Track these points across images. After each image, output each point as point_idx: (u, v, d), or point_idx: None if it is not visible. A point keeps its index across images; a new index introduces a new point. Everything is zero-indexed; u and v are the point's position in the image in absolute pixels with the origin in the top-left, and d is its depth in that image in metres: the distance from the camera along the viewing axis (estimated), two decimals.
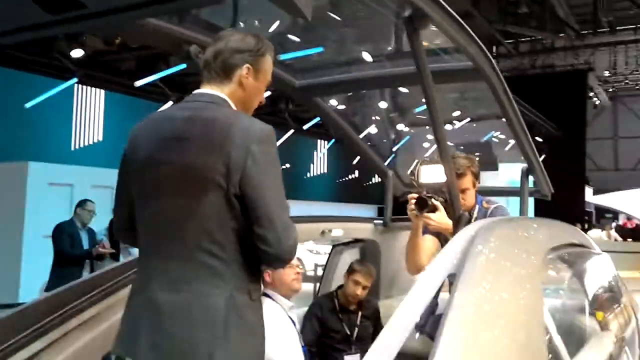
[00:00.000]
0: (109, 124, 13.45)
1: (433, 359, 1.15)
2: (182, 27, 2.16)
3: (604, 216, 32.31)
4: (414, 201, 2.64)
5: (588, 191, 29.42)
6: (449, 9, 1.97)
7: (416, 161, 2.65)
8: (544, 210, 6.85)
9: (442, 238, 2.84)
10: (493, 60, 2.50)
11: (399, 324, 1.40)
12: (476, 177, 3.01)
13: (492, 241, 1.67)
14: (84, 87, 12.77)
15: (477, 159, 3.07)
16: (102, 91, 13.12)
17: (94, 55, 11.51)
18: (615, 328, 2.62)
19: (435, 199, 2.63)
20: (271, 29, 2.98)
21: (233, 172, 1.65)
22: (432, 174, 2.55)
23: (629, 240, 22.43)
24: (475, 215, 2.99)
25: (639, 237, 23.36)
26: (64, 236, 6.43)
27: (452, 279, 1.51)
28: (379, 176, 3.96)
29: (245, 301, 1.72)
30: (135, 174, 1.82)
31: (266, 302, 2.95)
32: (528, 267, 1.70)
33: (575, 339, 2.16)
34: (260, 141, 1.69)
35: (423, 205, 2.60)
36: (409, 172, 2.52)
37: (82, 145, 13.02)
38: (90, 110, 13.18)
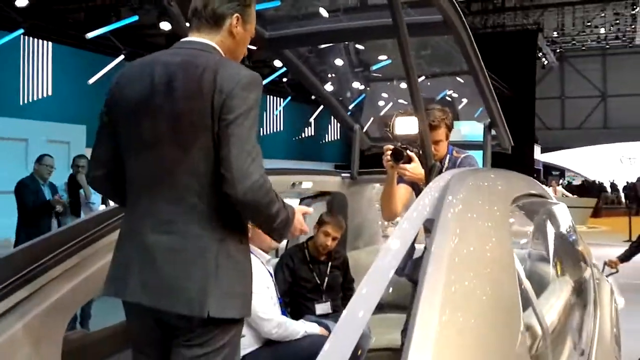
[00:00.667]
0: (58, 78, 12.97)
1: (417, 306, 1.18)
2: None
3: (551, 173, 33.47)
4: (389, 152, 2.71)
5: (536, 149, 30.31)
6: None
7: (394, 113, 2.67)
8: (495, 166, 7.06)
9: (416, 187, 2.93)
10: (462, 14, 2.54)
11: (377, 275, 1.44)
12: (449, 129, 3.10)
13: (464, 190, 1.73)
14: (31, 38, 12.22)
15: None
16: (50, 43, 12.59)
17: (41, 4, 11.02)
18: (572, 274, 2.77)
19: (410, 150, 2.69)
20: None
21: (216, 113, 1.70)
22: (407, 126, 2.61)
23: (575, 195, 23.38)
24: (446, 164, 3.10)
25: (585, 193, 24.33)
26: (27, 191, 6.35)
27: (427, 225, 1.57)
28: (346, 129, 3.99)
29: (235, 244, 1.79)
30: (122, 119, 1.83)
31: None
32: (497, 215, 1.78)
33: (538, 283, 2.27)
34: (243, 87, 1.73)
35: (399, 156, 2.68)
36: (384, 123, 2.56)
37: (31, 100, 12.55)
38: (38, 64, 12.66)
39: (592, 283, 3.07)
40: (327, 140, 24.49)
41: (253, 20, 1.93)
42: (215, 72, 1.72)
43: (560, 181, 24.41)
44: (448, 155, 3.15)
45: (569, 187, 26.39)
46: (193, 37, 1.86)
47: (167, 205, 1.76)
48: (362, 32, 2.86)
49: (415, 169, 2.73)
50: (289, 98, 21.01)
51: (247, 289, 1.81)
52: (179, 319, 1.73)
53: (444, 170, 2.95)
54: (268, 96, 21.85)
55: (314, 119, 22.54)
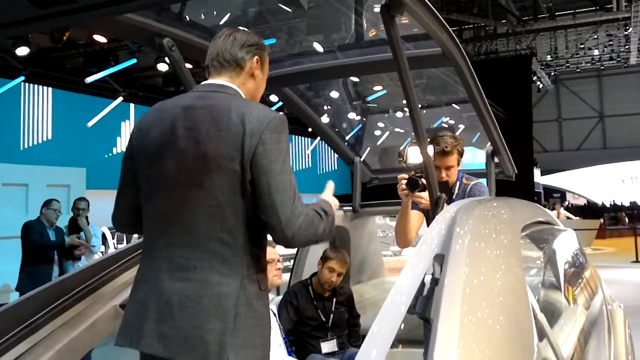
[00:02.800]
0: (58, 122, 13.07)
1: (434, 342, 1.17)
2: (153, 20, 2.13)
3: (552, 196, 33.45)
4: (404, 182, 2.73)
5: (536, 172, 30.35)
6: None
7: (405, 142, 2.71)
8: (497, 192, 7.05)
9: (426, 213, 2.94)
10: (461, 45, 2.56)
11: (396, 306, 1.42)
12: (461, 155, 3.15)
13: (473, 222, 1.71)
14: (31, 85, 12.36)
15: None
16: (50, 89, 12.72)
17: (40, 52, 11.19)
18: (584, 301, 2.73)
19: (424, 178, 2.71)
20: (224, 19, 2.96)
21: (246, 158, 1.67)
22: (419, 154, 2.62)
23: (578, 218, 23.28)
24: (456, 191, 3.15)
25: (588, 215, 24.25)
26: (33, 231, 6.40)
27: (437, 260, 1.55)
28: (345, 163, 3.99)
29: (254, 290, 1.72)
30: (144, 163, 1.82)
31: None
32: (508, 245, 1.76)
33: (551, 313, 2.24)
34: (272, 129, 1.71)
35: (414, 185, 2.70)
36: (397, 153, 2.59)
37: (31, 145, 12.62)
38: (38, 109, 12.78)
39: (604, 309, 3.03)
40: (325, 170, 24.51)
41: (268, 62, 1.97)
42: (242, 114, 1.70)
43: (564, 203, 24.40)
44: (458, 182, 3.20)
45: (571, 209, 26.31)
46: (215, 80, 1.85)
47: (186, 251, 1.70)
48: (362, 68, 2.89)
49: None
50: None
51: (265, 339, 1.75)
52: None
53: (454, 197, 3.09)
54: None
55: (311, 150, 22.68)
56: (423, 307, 1.61)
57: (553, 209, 22.06)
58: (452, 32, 2.36)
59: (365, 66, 2.82)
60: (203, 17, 2.53)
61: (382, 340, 1.35)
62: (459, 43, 2.47)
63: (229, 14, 2.87)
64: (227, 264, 1.68)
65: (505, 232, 1.87)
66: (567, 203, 33.02)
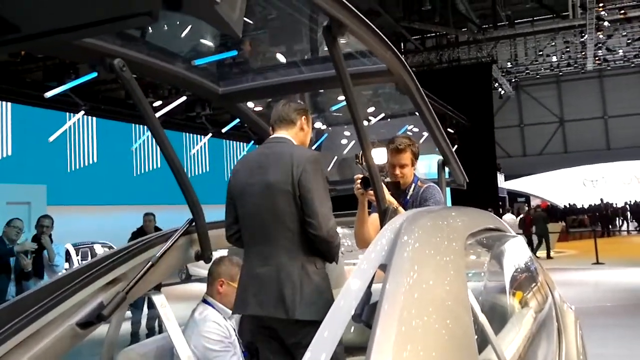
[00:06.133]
0: (17, 138, 12.84)
1: (371, 348, 1.22)
2: (103, 40, 2.13)
3: (517, 200, 34.00)
4: (359, 181, 2.87)
5: (500, 177, 30.83)
6: (363, 17, 2.08)
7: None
8: (460, 198, 7.18)
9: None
10: (404, 61, 2.65)
11: (336, 316, 1.48)
12: (415, 156, 3.32)
13: (417, 231, 1.77)
14: None
15: None
16: (9, 104, 12.49)
17: None
18: (533, 305, 2.82)
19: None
20: (184, 34, 2.99)
21: (295, 182, 2.51)
22: (375, 156, 2.77)
23: None
24: (410, 192, 3.32)
25: (551, 218, 24.66)
26: None
27: (382, 269, 1.61)
28: None
29: (312, 269, 2.55)
30: (237, 195, 2.69)
31: (208, 311, 2.99)
32: (450, 253, 1.81)
33: (498, 318, 2.31)
34: (310, 162, 2.57)
35: (367, 184, 2.82)
36: (355, 155, 2.73)
37: None
38: None
39: (554, 312, 3.12)
40: None
41: (311, 119, 2.85)
42: (292, 154, 2.57)
43: (526, 208, 24.74)
44: (413, 185, 3.33)
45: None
46: (277, 134, 2.72)
47: (266, 246, 2.57)
48: (311, 84, 2.96)
49: (386, 196, 2.85)
50: (252, 142, 21.10)
51: (324, 300, 2.48)
52: (279, 322, 2.51)
53: (408, 198, 3.27)
54: (230, 142, 21.93)
55: None
56: (368, 315, 1.67)
57: (519, 214, 22.36)
58: (395, 49, 2.44)
59: (314, 82, 2.89)
60: (153, 35, 2.55)
61: (328, 344, 1.40)
62: (403, 60, 2.55)
63: (180, 33, 2.91)
64: (292, 252, 2.54)
65: (449, 240, 1.92)
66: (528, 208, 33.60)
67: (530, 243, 18.66)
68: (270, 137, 2.75)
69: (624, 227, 29.94)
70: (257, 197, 2.59)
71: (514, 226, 18.44)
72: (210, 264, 3.06)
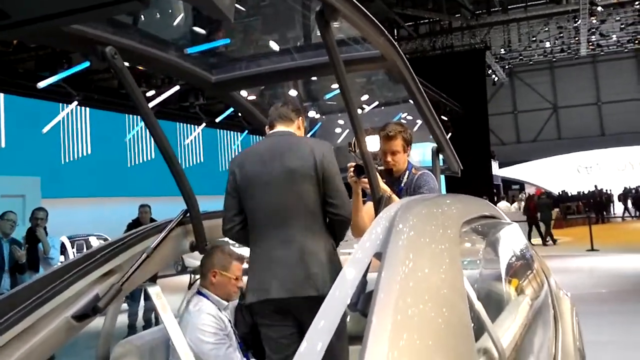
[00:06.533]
0: (10, 129, 12.76)
1: (367, 337, 1.21)
2: (93, 28, 2.10)
3: (511, 187, 34.09)
4: (352, 169, 2.88)
5: (494, 165, 30.87)
6: (356, 2, 2.06)
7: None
8: (455, 185, 7.20)
9: None
10: (398, 48, 2.63)
11: (332, 305, 1.47)
12: (407, 143, 3.31)
13: (411, 219, 1.76)
14: None
15: None
16: (1, 95, 12.41)
17: None
18: (529, 293, 2.82)
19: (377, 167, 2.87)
20: (176, 22, 2.96)
21: (318, 168, 2.67)
22: (370, 143, 2.80)
23: None
24: (404, 179, 3.31)
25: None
26: None
27: (378, 257, 1.60)
28: None
29: (331, 250, 2.70)
30: (244, 186, 2.75)
31: (202, 302, 2.95)
32: (446, 241, 1.81)
33: (494, 305, 2.31)
34: (328, 148, 2.77)
35: (360, 171, 2.83)
36: (348, 143, 2.75)
37: None
38: None
39: (550, 299, 3.13)
40: None
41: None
42: (308, 142, 2.79)
43: (520, 195, 24.84)
44: (407, 172, 3.32)
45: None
46: (280, 128, 2.86)
47: (287, 231, 2.66)
48: (304, 71, 2.94)
49: (380, 184, 2.85)
50: (246, 132, 21.05)
51: None
52: (305, 301, 2.55)
53: (402, 185, 3.27)
54: (224, 131, 21.86)
55: None
56: (364, 305, 1.66)
57: (513, 201, 22.41)
58: (388, 35, 2.42)
59: (308, 69, 2.87)
60: (145, 23, 2.52)
61: (325, 333, 1.39)
62: (396, 45, 2.54)
63: (173, 20, 2.88)
64: (316, 235, 2.68)
65: (444, 228, 1.92)
66: (524, 195, 33.71)
67: (533, 230, 18.98)
68: (275, 130, 2.86)
69: (619, 214, 30.05)
70: (274, 184, 2.69)
71: (509, 214, 18.51)
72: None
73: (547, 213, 18.99)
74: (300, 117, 2.94)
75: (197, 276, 3.65)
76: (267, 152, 2.76)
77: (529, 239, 18.23)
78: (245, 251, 2.98)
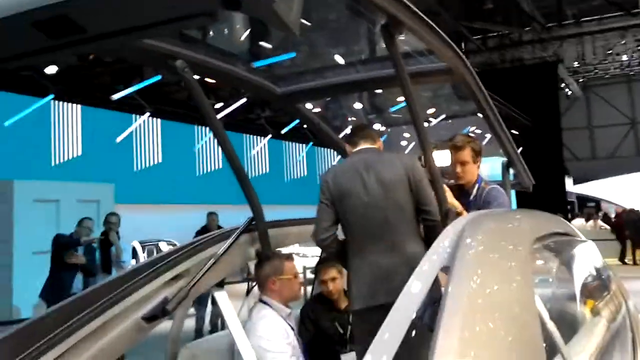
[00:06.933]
0: (87, 139, 13.37)
1: (433, 352, 1.18)
2: (165, 42, 2.17)
3: (586, 205, 32.73)
4: None
5: (568, 181, 29.77)
6: (422, 15, 2.04)
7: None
8: (526, 201, 6.98)
9: None
10: (466, 60, 2.58)
11: (399, 317, 1.45)
12: (477, 153, 3.27)
13: (481, 234, 1.72)
14: (61, 102, 12.67)
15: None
16: (79, 106, 13.02)
17: (69, 70, 11.45)
18: (605, 314, 2.69)
19: (445, 181, 2.90)
20: (243, 36, 3.02)
21: (410, 178, 2.75)
22: (440, 158, 2.85)
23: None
24: (474, 192, 3.28)
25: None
26: (62, 242, 6.69)
27: (445, 271, 1.57)
28: None
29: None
30: (339, 196, 2.82)
31: (265, 310, 2.94)
32: (516, 258, 1.75)
33: (568, 326, 2.22)
34: (415, 161, 2.85)
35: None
36: (417, 157, 2.76)
37: (62, 161, 12.92)
38: (68, 126, 13.09)
39: (628, 322, 2.98)
40: None
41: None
42: (398, 156, 2.91)
43: (600, 213, 23.72)
44: (477, 185, 3.26)
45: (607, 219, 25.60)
46: (366, 146, 2.93)
47: (388, 239, 2.76)
48: (370, 83, 2.94)
49: (449, 198, 2.88)
50: (311, 143, 21.20)
51: None
52: None
53: (471, 198, 3.24)
54: (289, 143, 22.10)
55: (338, 162, 22.71)
56: (430, 318, 1.63)
57: (589, 219, 21.49)
58: (456, 47, 2.38)
59: (372, 82, 2.86)
60: (214, 38, 2.58)
61: (389, 346, 1.37)
62: (464, 58, 2.49)
63: (240, 35, 2.94)
64: (417, 240, 2.77)
65: (514, 244, 1.87)
66: (601, 213, 32.32)
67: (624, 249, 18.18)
68: (361, 147, 2.97)
69: None
70: (371, 194, 2.79)
71: (584, 232, 17.77)
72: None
73: (634, 230, 18.03)
74: (380, 140, 3.04)
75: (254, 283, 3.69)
76: (360, 164, 2.84)
77: (621, 259, 17.71)
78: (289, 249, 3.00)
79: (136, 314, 2.17)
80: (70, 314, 2.01)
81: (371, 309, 2.67)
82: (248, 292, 7.08)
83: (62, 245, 6.62)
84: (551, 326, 1.78)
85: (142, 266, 2.32)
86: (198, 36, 2.51)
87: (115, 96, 11.45)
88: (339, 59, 2.97)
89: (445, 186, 2.89)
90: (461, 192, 3.24)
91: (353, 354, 3.39)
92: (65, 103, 12.83)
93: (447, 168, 2.97)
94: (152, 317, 2.18)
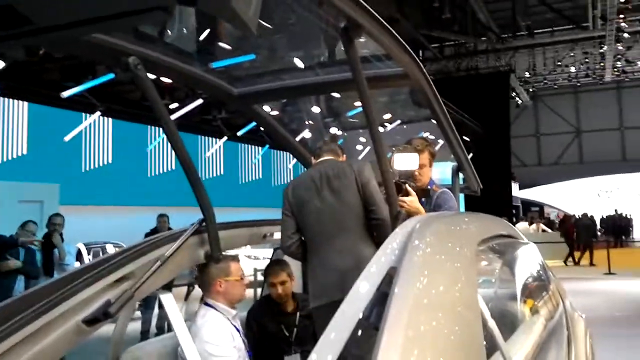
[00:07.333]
0: (33, 137, 12.96)
1: (377, 351, 1.20)
2: (118, 38, 2.13)
3: (530, 209, 33.72)
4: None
5: (514, 186, 30.60)
6: (381, 19, 2.07)
7: (392, 149, 3.08)
8: (474, 205, 7.15)
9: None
10: (422, 66, 2.63)
11: (344, 318, 1.46)
12: (433, 156, 3.38)
13: (428, 236, 1.75)
14: (6, 99, 12.25)
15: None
16: (26, 103, 12.62)
17: (17, 66, 11.09)
18: (544, 313, 2.78)
19: (408, 184, 2.91)
20: (200, 35, 2.99)
21: (359, 183, 3.03)
22: (405, 161, 2.87)
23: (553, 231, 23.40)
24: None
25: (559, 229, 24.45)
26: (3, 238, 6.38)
27: (392, 272, 1.59)
28: None
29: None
30: (298, 206, 3.13)
31: (210, 313, 2.90)
32: (461, 259, 1.79)
33: (508, 325, 2.28)
34: (363, 164, 3.10)
35: (398, 189, 2.84)
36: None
37: (6, 159, 12.49)
38: (13, 123, 12.66)
39: (565, 320, 3.08)
40: (280, 182, 24.57)
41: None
42: (349, 163, 3.17)
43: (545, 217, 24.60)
44: (429, 187, 3.34)
45: (549, 223, 26.49)
46: (327, 157, 3.26)
47: (340, 240, 2.99)
48: (327, 86, 2.96)
49: (412, 202, 2.93)
50: (267, 146, 21.15)
51: None
52: None
53: (423, 200, 3.24)
54: (245, 145, 21.99)
55: (293, 165, 22.73)
56: (377, 318, 1.65)
57: (532, 222, 22.22)
58: (412, 53, 2.42)
59: (330, 85, 2.88)
60: (169, 35, 2.55)
61: (334, 347, 1.38)
62: (420, 63, 2.53)
63: (197, 33, 2.91)
64: (368, 242, 2.98)
65: (460, 246, 1.91)
66: (548, 216, 33.27)
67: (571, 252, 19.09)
68: (322, 159, 3.28)
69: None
70: (325, 202, 3.07)
71: (527, 234, 18.32)
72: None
73: (585, 235, 18.98)
74: (341, 150, 3.36)
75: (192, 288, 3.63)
76: (316, 175, 3.14)
77: (566, 261, 18.60)
78: (245, 258, 2.97)
79: (77, 317, 2.10)
80: (7, 317, 1.94)
81: (328, 305, 2.81)
82: (187, 296, 7.02)
83: None
84: (492, 324, 1.83)
85: (85, 268, 2.24)
86: (153, 33, 2.46)
87: (65, 93, 11.13)
88: (298, 62, 2.99)
89: (411, 189, 2.96)
90: (427, 197, 3.31)
91: (297, 356, 3.41)
92: (11, 100, 12.42)
93: (408, 172, 2.99)
94: (94, 320, 2.11)
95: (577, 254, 19.20)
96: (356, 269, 2.62)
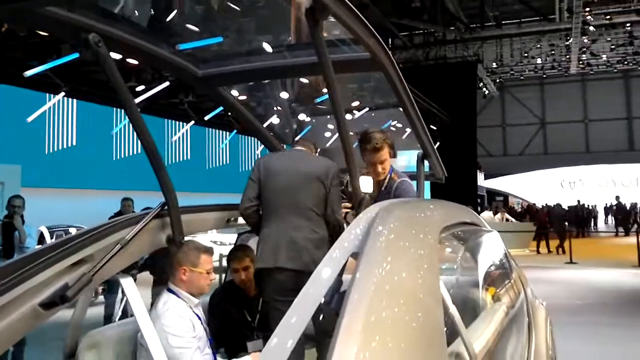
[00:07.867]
0: None
1: (337, 335, 1.20)
2: (79, 14, 2.07)
3: (495, 199, 34.29)
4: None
5: (480, 176, 31.04)
6: (348, 2, 2.04)
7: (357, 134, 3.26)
8: (440, 193, 7.21)
9: None
10: (389, 51, 2.61)
11: (305, 302, 1.45)
12: (392, 147, 3.46)
13: (391, 222, 1.75)
14: None
15: None
16: None
17: None
18: (505, 300, 2.82)
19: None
20: (166, 15, 2.93)
21: (327, 177, 3.18)
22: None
23: (517, 220, 23.88)
24: (385, 183, 3.45)
25: (531, 218, 25.06)
26: None
27: (355, 257, 1.58)
28: None
29: (326, 238, 3.14)
30: (267, 176, 3.25)
31: (171, 299, 2.82)
32: (424, 246, 1.80)
33: (469, 311, 2.30)
34: (335, 167, 3.23)
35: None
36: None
37: None
38: None
39: (526, 307, 3.14)
40: (247, 168, 24.53)
41: None
42: (322, 159, 3.32)
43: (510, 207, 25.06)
44: (388, 176, 3.33)
45: (513, 212, 26.98)
46: (301, 147, 3.42)
47: (298, 219, 3.14)
48: (292, 70, 2.92)
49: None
50: (234, 131, 20.98)
51: None
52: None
53: (383, 188, 3.38)
54: (212, 130, 21.79)
55: (261, 151, 22.62)
56: (338, 303, 1.64)
57: (497, 212, 22.58)
58: (379, 37, 2.40)
59: (296, 68, 2.85)
60: (132, 11, 2.49)
61: (295, 329, 1.37)
62: (386, 49, 2.51)
63: (164, 13, 2.85)
64: (318, 224, 3.15)
65: (424, 232, 1.91)
66: (511, 206, 33.87)
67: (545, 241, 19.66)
68: (294, 148, 3.45)
69: (601, 228, 30.49)
70: (293, 179, 3.20)
71: (491, 223, 18.62)
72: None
73: (559, 225, 19.47)
74: (317, 148, 3.59)
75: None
76: (293, 155, 3.36)
77: (538, 250, 19.10)
78: (211, 243, 2.91)
79: (33, 301, 2.04)
80: None
81: (272, 269, 3.10)
82: (154, 283, 6.93)
83: None
84: (454, 311, 1.84)
85: (42, 250, 2.17)
86: (115, 10, 2.40)
87: (28, 73, 10.80)
88: (264, 44, 2.95)
89: (371, 179, 3.04)
90: (380, 189, 3.33)
91: (260, 341, 3.39)
92: None
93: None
94: (51, 304, 2.06)
95: (552, 243, 19.65)
96: (309, 242, 3.09)
